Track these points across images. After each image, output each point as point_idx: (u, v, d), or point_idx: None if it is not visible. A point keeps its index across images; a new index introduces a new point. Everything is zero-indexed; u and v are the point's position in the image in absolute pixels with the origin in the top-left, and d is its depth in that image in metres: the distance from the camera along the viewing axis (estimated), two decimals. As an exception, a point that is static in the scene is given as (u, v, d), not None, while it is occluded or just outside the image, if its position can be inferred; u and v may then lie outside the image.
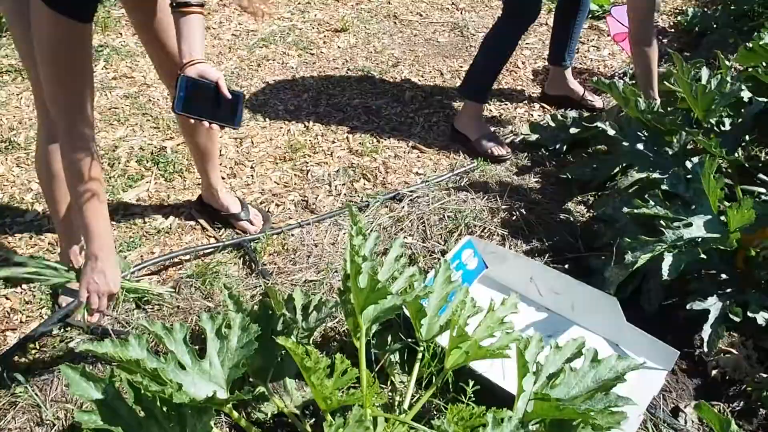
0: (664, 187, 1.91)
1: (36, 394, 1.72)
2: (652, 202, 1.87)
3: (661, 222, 1.82)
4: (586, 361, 1.53)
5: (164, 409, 1.24)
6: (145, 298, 1.99)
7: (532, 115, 2.96)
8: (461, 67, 3.30)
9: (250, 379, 1.64)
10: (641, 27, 2.37)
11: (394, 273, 1.55)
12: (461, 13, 3.91)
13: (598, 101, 2.95)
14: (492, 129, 2.77)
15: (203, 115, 1.61)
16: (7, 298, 2.03)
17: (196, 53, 1.60)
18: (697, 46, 3.39)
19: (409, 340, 1.75)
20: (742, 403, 1.76)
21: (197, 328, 1.86)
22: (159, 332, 1.34)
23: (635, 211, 1.87)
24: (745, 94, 2.35)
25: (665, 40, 3.57)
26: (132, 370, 1.25)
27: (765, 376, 1.78)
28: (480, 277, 2.06)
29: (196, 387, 1.31)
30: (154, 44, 1.88)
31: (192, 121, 1.60)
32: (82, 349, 1.24)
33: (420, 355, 1.64)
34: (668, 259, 1.74)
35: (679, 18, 3.73)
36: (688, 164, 1.86)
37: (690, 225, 1.81)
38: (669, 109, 2.20)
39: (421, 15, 3.89)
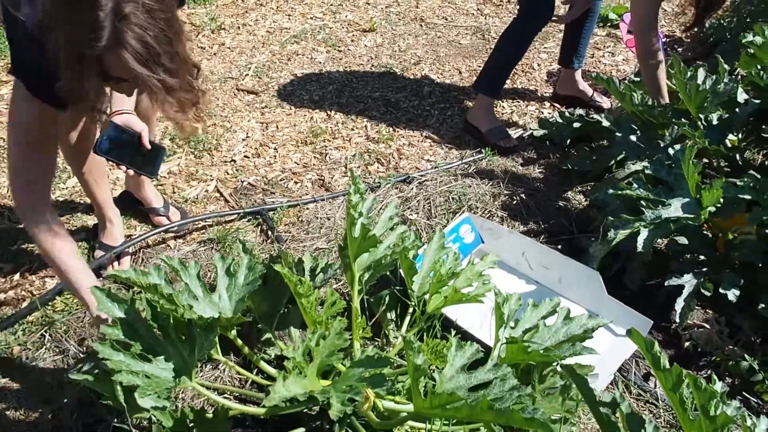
0: (648, 172, 2.05)
1: (61, 335, 1.94)
2: (635, 185, 2.01)
3: (642, 203, 1.96)
4: (559, 318, 1.69)
5: (176, 328, 1.44)
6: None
7: (542, 113, 3.11)
8: (479, 67, 3.47)
9: (258, 325, 1.83)
10: (642, 37, 2.51)
11: (387, 230, 1.73)
12: (485, 18, 4.08)
13: (606, 102, 3.08)
14: (502, 123, 2.94)
15: (122, 160, 1.81)
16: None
17: (126, 105, 1.80)
18: (709, 55, 3.50)
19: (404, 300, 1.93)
20: (710, 371, 1.89)
21: (210, 275, 2.06)
22: (176, 266, 1.54)
23: (619, 192, 2.01)
24: (742, 96, 2.47)
25: (680, 49, 3.69)
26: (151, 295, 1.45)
27: (734, 348, 1.91)
28: (475, 251, 2.22)
29: (205, 314, 1.50)
30: None
31: (111, 163, 1.78)
32: (109, 273, 1.45)
33: (411, 309, 1.81)
34: (643, 234, 1.88)
35: (695, 29, 3.84)
36: (671, 151, 2.00)
37: (669, 206, 1.95)
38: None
39: (446, 19, 4.08)
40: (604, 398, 1.23)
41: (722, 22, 3.80)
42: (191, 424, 1.31)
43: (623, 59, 3.55)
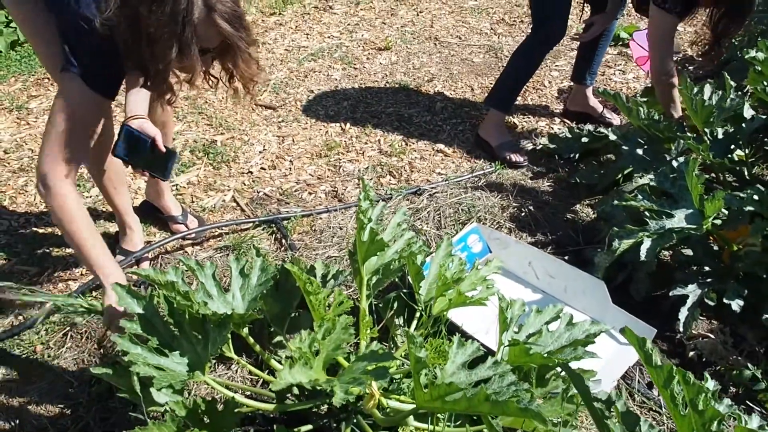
0: (653, 184, 2.09)
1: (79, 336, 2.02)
2: (640, 197, 2.06)
3: (647, 214, 2.01)
4: (562, 323, 1.72)
5: (191, 324, 1.51)
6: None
7: (552, 128, 3.17)
8: (491, 84, 3.53)
9: (271, 329, 1.89)
10: (657, 57, 2.57)
11: (396, 236, 1.78)
12: (498, 37, 4.17)
13: (615, 119, 3.14)
14: (513, 138, 3.00)
15: (138, 162, 1.91)
16: (72, 255, 2.35)
17: (140, 110, 1.90)
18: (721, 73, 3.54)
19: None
20: (714, 381, 1.91)
21: (225, 280, 2.13)
22: (192, 266, 1.61)
23: (624, 203, 2.06)
24: (749, 112, 2.51)
25: (691, 68, 3.73)
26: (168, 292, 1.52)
27: (738, 358, 1.93)
28: (483, 260, 2.27)
29: (219, 311, 1.57)
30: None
31: (128, 167, 1.88)
32: (129, 271, 1.53)
33: (418, 314, 1.86)
34: (647, 244, 1.92)
35: (712, 52, 3.88)
36: (675, 164, 2.04)
37: (672, 217, 1.99)
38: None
39: (460, 38, 4.17)
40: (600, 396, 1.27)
41: (734, 41, 3.84)
42: (202, 415, 1.36)
43: (634, 77, 3.60)
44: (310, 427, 1.59)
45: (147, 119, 1.93)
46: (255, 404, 1.53)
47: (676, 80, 2.59)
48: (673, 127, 2.29)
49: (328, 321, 1.33)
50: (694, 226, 1.92)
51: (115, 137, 1.88)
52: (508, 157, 2.86)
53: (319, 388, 1.23)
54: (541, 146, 2.98)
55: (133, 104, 1.91)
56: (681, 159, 2.03)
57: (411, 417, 1.59)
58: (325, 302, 1.50)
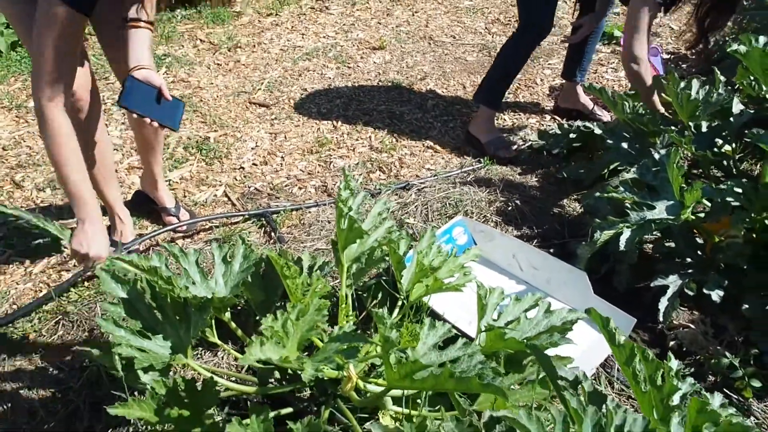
0: (636, 176, 2.12)
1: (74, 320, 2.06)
2: (622, 188, 2.09)
3: (628, 205, 2.04)
4: (540, 311, 1.75)
5: (174, 308, 1.54)
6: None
7: (543, 125, 3.20)
8: (484, 82, 3.58)
9: (257, 317, 1.93)
10: (628, 41, 2.60)
11: (376, 224, 1.82)
12: (492, 36, 4.20)
13: (606, 116, 3.17)
14: (503, 134, 3.03)
15: (145, 111, 1.91)
16: (65, 247, 2.39)
17: (144, 60, 1.91)
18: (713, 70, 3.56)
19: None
20: (693, 369, 1.93)
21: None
22: (176, 253, 1.65)
23: (605, 195, 2.09)
24: (738, 107, 2.53)
25: (684, 66, 3.76)
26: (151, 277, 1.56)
27: (719, 348, 1.95)
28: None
29: (200, 295, 1.60)
30: (118, 61, 2.11)
31: (135, 115, 1.90)
32: (112, 257, 1.56)
33: (399, 303, 1.90)
34: (626, 234, 1.95)
35: (700, 46, 3.91)
36: (657, 156, 2.07)
37: (654, 208, 2.02)
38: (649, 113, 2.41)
39: (454, 37, 4.21)
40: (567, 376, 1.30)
41: (727, 38, 3.87)
42: (182, 394, 1.40)
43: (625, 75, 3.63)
44: (290, 409, 1.62)
45: (151, 69, 1.92)
46: (234, 386, 1.56)
47: (646, 68, 2.61)
48: (656, 121, 2.32)
49: (302, 303, 1.36)
50: (672, 217, 1.94)
51: (121, 89, 1.88)
52: (497, 153, 2.89)
53: (288, 366, 1.26)
54: (530, 142, 3.01)
55: (136, 55, 1.91)
56: (663, 152, 2.06)
57: (390, 401, 1.63)
58: (303, 287, 1.54)
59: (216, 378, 1.55)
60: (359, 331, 1.51)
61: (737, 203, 2.03)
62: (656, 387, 1.10)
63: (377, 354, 1.57)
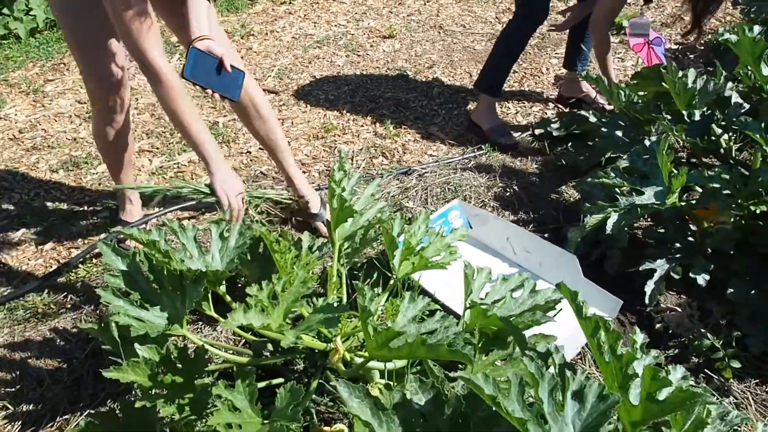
0: (626, 163, 2.16)
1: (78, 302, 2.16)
2: (613, 174, 2.13)
3: (617, 190, 2.08)
4: (525, 291, 1.81)
5: (171, 281, 1.62)
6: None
7: (546, 113, 3.24)
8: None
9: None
10: (599, 27, 2.85)
11: (368, 205, 1.89)
12: (502, 25, 4.20)
13: (608, 104, 3.19)
14: (504, 122, 3.07)
15: (207, 83, 1.91)
16: (73, 225, 2.50)
17: (205, 30, 1.91)
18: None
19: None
20: (677, 350, 1.98)
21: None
22: (175, 228, 1.72)
23: (596, 180, 2.13)
24: (736, 97, 2.55)
25: (692, 56, 3.76)
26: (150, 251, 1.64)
27: (703, 331, 1.99)
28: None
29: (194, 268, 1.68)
30: (179, 29, 2.17)
31: (197, 86, 1.91)
32: (114, 230, 1.65)
33: (392, 281, 1.96)
34: (613, 218, 1.99)
35: (709, 36, 3.90)
36: (647, 143, 2.11)
37: (642, 193, 2.06)
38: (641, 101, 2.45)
39: (464, 27, 4.24)
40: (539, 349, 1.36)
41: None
42: (175, 361, 1.48)
43: (632, 64, 3.64)
44: (281, 380, 1.70)
45: (213, 40, 1.92)
46: (228, 356, 1.64)
47: (609, 46, 2.97)
48: (648, 108, 2.35)
49: (287, 275, 1.43)
50: (659, 202, 1.98)
51: (184, 60, 1.91)
52: (498, 141, 2.94)
53: (270, 333, 1.33)
54: (532, 130, 3.05)
55: (198, 25, 1.92)
56: (654, 139, 2.10)
57: (377, 374, 1.70)
58: (292, 262, 1.61)
59: (210, 348, 1.63)
60: (345, 305, 1.59)
61: (727, 190, 2.06)
62: (616, 356, 1.15)
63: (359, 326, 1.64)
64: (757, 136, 2.01)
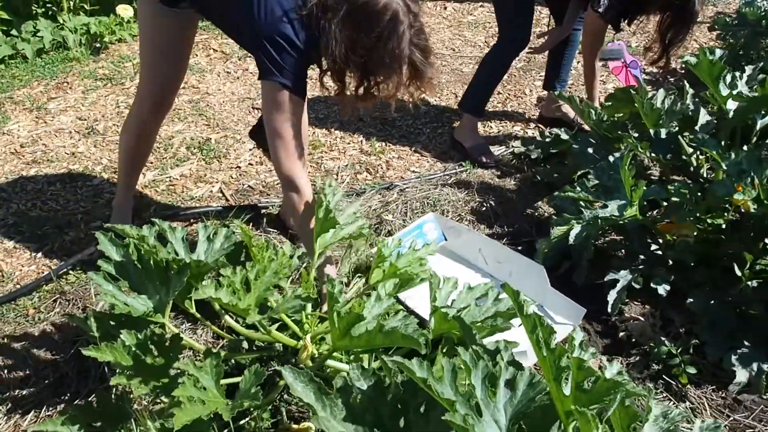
0: (591, 177, 2.26)
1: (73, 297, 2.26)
2: (579, 188, 2.23)
3: (582, 204, 2.17)
4: (489, 299, 1.90)
5: (157, 273, 1.73)
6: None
7: (527, 133, 3.35)
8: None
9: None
10: (584, 50, 3.04)
11: (350, 221, 1.99)
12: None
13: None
14: (488, 141, 3.19)
15: (263, 146, 2.18)
16: (66, 234, 2.60)
17: None
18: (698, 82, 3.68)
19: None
20: (638, 358, 2.06)
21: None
22: (165, 228, 1.83)
23: (563, 194, 2.23)
24: (705, 117, 2.65)
25: (672, 79, 3.88)
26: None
27: (663, 339, 2.07)
28: (439, 247, 2.45)
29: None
30: None
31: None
32: (108, 225, 1.76)
33: (362, 287, 2.06)
34: (576, 229, 2.09)
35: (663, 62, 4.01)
36: (611, 159, 2.21)
37: (606, 207, 2.15)
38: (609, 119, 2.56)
39: (454, 50, 4.38)
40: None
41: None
42: (151, 345, 1.57)
43: (613, 87, 3.75)
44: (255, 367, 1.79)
45: None
46: (199, 346, 1.74)
47: (596, 69, 3.13)
48: (615, 127, 2.46)
49: (260, 264, 1.54)
50: (620, 214, 2.08)
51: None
52: (479, 159, 3.05)
53: (237, 311, 1.43)
54: (512, 148, 3.15)
55: None
56: (617, 155, 2.20)
57: (347, 367, 1.78)
58: (269, 259, 1.70)
59: (186, 339, 1.72)
60: (313, 298, 1.69)
61: (687, 204, 2.15)
62: (550, 350, 1.24)
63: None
64: (714, 152, 2.10)
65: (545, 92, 3.68)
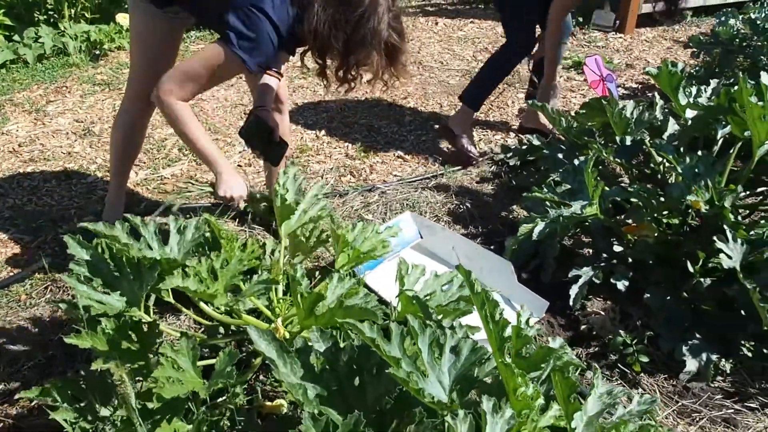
0: (558, 179, 2.38)
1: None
2: (546, 189, 2.35)
3: (548, 204, 2.30)
4: (454, 285, 2.02)
5: (130, 268, 1.83)
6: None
7: (506, 141, 3.48)
8: (459, 103, 3.89)
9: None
10: (556, 22, 3.09)
11: (312, 204, 2.10)
12: (478, 63, 4.51)
13: None
14: (473, 136, 3.41)
15: (255, 147, 2.28)
16: (60, 227, 2.72)
17: (266, 103, 2.27)
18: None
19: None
20: (597, 349, 2.17)
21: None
22: (137, 222, 1.93)
23: (530, 195, 2.35)
24: (672, 126, 2.78)
25: (650, 94, 4.02)
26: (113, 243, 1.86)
27: (621, 332, 2.18)
28: (414, 244, 2.57)
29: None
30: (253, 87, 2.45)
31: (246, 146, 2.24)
32: (81, 225, 1.87)
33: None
34: (540, 226, 2.21)
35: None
36: (576, 162, 2.33)
37: (570, 206, 2.27)
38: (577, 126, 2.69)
39: (442, 63, 4.53)
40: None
41: (696, 68, 4.13)
42: (130, 332, 1.68)
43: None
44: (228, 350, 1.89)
45: (271, 112, 2.28)
46: (176, 333, 1.85)
47: (563, 41, 3.24)
48: (584, 133, 2.59)
49: (226, 253, 1.65)
50: (581, 213, 2.20)
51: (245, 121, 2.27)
52: (464, 148, 3.24)
53: (203, 297, 1.54)
54: (491, 155, 3.29)
55: (261, 97, 2.28)
56: (582, 158, 2.32)
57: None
58: (237, 248, 1.82)
59: (165, 327, 1.83)
60: (279, 281, 1.80)
61: (646, 205, 2.27)
62: (495, 322, 1.35)
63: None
64: (670, 156, 2.23)
65: (525, 104, 3.83)
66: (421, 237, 2.59)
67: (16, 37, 4.32)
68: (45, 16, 4.49)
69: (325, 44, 1.98)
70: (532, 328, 1.47)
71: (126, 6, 4.66)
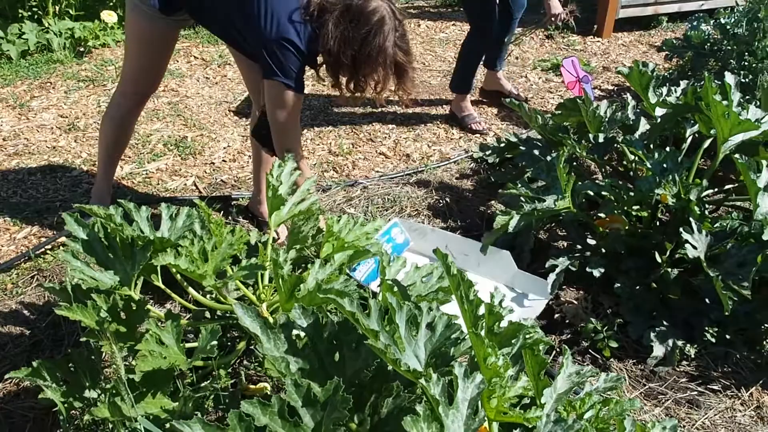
0: (532, 175, 2.48)
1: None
2: (521, 185, 2.44)
3: (522, 199, 2.39)
4: (434, 277, 2.09)
5: (123, 249, 1.89)
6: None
7: (485, 140, 3.57)
8: (440, 101, 3.98)
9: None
10: None
11: (303, 197, 2.17)
12: (459, 64, 4.61)
13: (523, 96, 3.86)
14: (475, 112, 3.71)
15: (266, 145, 2.41)
16: (45, 218, 2.76)
17: None
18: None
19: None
20: (570, 335, 2.26)
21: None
22: (131, 207, 1.99)
23: (505, 191, 2.44)
24: (644, 125, 2.89)
25: (626, 96, 4.13)
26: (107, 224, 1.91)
27: (592, 319, 2.27)
28: (406, 250, 2.63)
29: (147, 245, 1.95)
30: (253, 86, 2.57)
31: (256, 141, 2.42)
32: (76, 206, 1.92)
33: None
34: (515, 219, 2.29)
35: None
36: (548, 158, 2.43)
37: (544, 201, 2.36)
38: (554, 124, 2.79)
39: (424, 64, 4.62)
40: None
41: (671, 72, 4.26)
42: (119, 310, 1.73)
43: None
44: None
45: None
46: (161, 315, 1.90)
47: None
48: (558, 131, 2.69)
49: (216, 237, 1.71)
50: (554, 206, 2.29)
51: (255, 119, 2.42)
52: (471, 126, 3.56)
53: (194, 277, 1.60)
54: (471, 153, 3.38)
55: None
56: (555, 154, 2.41)
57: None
58: (227, 235, 1.88)
59: (153, 310, 1.89)
60: (266, 267, 1.86)
61: (616, 199, 2.37)
62: (469, 301, 1.43)
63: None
64: (640, 152, 2.33)
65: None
66: (410, 242, 2.65)
67: None
68: (29, 13, 4.50)
69: (336, 60, 2.14)
70: (505, 309, 1.55)
71: (111, 3, 4.71)
